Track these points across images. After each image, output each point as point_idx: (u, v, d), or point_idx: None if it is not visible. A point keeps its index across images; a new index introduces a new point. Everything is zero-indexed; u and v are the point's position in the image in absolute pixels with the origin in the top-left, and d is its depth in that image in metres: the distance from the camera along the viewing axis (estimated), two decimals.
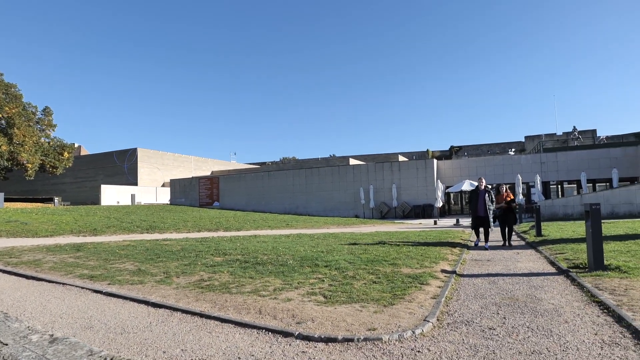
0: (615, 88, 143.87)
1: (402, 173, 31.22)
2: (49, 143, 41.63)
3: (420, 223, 23.90)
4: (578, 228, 14.24)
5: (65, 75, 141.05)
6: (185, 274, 6.63)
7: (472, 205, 10.72)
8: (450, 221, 24.58)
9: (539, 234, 12.72)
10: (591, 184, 28.46)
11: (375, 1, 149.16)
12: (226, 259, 8.10)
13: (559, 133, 59.81)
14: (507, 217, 10.83)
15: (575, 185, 30.57)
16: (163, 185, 49.46)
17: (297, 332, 3.60)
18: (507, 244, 10.75)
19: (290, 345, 3.40)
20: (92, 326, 4.10)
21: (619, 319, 3.87)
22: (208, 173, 54.36)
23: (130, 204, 40.52)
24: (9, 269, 7.79)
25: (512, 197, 11.12)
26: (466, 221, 24.24)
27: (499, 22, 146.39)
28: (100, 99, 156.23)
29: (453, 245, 11.01)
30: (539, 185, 26.06)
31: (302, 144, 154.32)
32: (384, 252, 8.85)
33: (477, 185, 10.77)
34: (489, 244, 10.71)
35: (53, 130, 42.45)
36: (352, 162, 40.86)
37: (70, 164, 42.90)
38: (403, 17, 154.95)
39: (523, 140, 69.57)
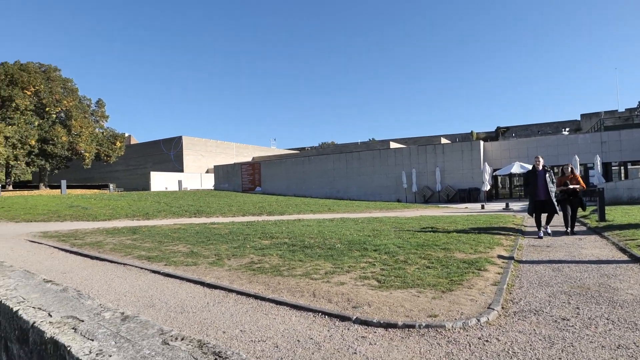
0: None
1: (447, 156, 30.17)
2: (102, 133, 44.13)
3: (467, 207, 23.08)
4: None
5: (113, 68, 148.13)
6: (235, 257, 6.75)
7: (529, 188, 9.36)
8: (499, 205, 23.53)
9: (602, 218, 11.79)
10: None
11: None
12: (274, 242, 8.18)
13: (621, 110, 55.26)
14: (572, 201, 9.57)
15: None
16: (207, 172, 51.14)
17: (354, 317, 3.51)
18: (569, 231, 9.43)
19: (348, 329, 3.32)
20: (153, 304, 4.25)
21: None
22: (249, 159, 55.51)
23: (177, 189, 42.30)
24: (75, 249, 8.33)
25: (579, 179, 9.68)
26: (517, 205, 23.11)
27: None
28: (147, 89, 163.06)
29: (506, 230, 10.48)
30: (598, 166, 24.24)
31: (341, 128, 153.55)
32: (434, 237, 8.57)
33: (534, 166, 9.45)
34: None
35: (106, 121, 44.90)
36: (393, 145, 40.03)
37: (122, 153, 45.29)
38: None
39: (579, 119, 64.90)
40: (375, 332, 3.24)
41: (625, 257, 6.42)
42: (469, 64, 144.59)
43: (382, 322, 3.37)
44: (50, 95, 39.14)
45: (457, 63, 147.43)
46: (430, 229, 10.35)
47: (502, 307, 3.79)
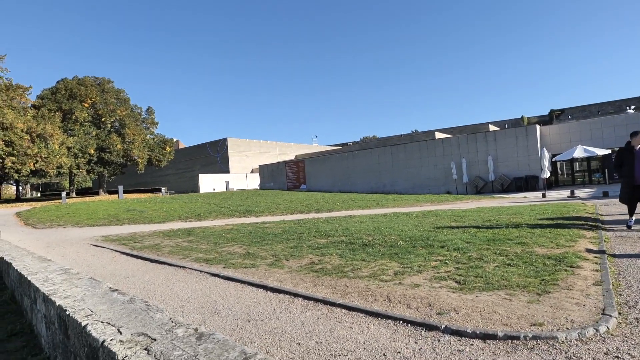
0: None
1: (499, 143, 28.47)
2: (153, 139, 46.21)
3: (525, 197, 21.58)
4: None
5: (158, 75, 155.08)
6: (294, 257, 6.50)
7: (624, 170, 7.80)
8: (562, 193, 21.78)
9: None
10: None
11: None
12: (330, 241, 7.86)
13: None
14: None
15: None
16: (252, 171, 52.10)
17: (442, 325, 3.08)
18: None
19: (439, 341, 2.90)
20: (218, 311, 4.06)
21: None
22: (292, 157, 55.89)
23: (224, 190, 43.40)
24: (135, 252, 8.49)
25: None
26: (583, 192, 21.25)
27: None
28: (191, 95, 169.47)
29: (582, 220, 9.49)
30: None
31: (382, 122, 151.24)
32: (503, 230, 7.86)
33: (629, 143, 7.87)
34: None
35: (156, 127, 46.99)
36: (439, 135, 38.49)
37: (172, 157, 47.21)
38: None
39: None
40: (472, 345, 2.79)
41: None
42: (513, 48, 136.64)
43: (478, 332, 2.91)
44: (105, 106, 41.53)
45: (500, 47, 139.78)
46: (495, 222, 9.58)
47: (619, 313, 3.19)
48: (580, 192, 20.99)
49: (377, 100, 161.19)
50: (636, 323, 3.01)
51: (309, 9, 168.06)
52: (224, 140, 51.78)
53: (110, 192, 46.70)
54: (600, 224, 8.77)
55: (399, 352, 2.77)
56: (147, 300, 3.87)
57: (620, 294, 3.73)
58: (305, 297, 4.20)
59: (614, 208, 12.64)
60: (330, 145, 72.28)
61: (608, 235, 7.38)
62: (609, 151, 25.59)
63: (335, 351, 2.87)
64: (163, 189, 44.13)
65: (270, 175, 40.95)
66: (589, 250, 5.70)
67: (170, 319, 2.31)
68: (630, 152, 7.68)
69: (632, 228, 7.71)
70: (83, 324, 2.45)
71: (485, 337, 2.87)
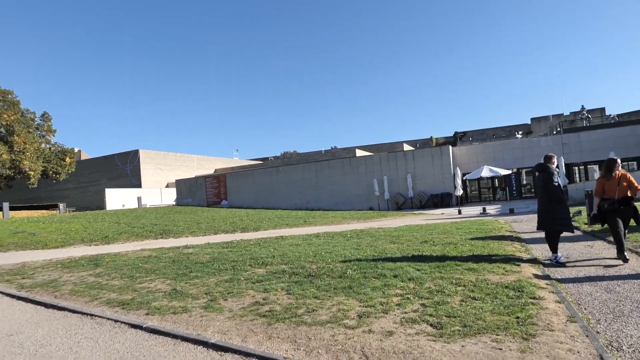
0: (620, 66, 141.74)
1: (417, 162, 30.12)
2: (49, 149, 40.56)
3: (443, 213, 22.87)
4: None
5: (58, 77, 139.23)
6: (232, 295, 5.59)
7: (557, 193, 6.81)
8: (474, 210, 23.54)
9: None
10: None
11: None
12: (270, 271, 7.06)
13: (567, 113, 58.52)
14: (623, 213, 6.53)
15: (596, 166, 29.44)
16: (167, 186, 48.46)
17: None
18: (623, 254, 6.32)
19: None
20: None
21: None
22: (211, 171, 53.29)
23: (136, 206, 39.53)
24: (24, 294, 6.77)
25: (631, 180, 6.48)
26: (491, 208, 23.16)
27: (498, 5, 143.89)
28: (96, 100, 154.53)
29: (506, 239, 9.98)
30: (562, 167, 24.97)
31: (301, 137, 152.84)
32: (445, 253, 7.81)
33: (545, 164, 6.99)
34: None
35: (53, 135, 41.40)
36: (359, 153, 39.67)
37: (72, 169, 41.87)
38: (398, 6, 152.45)
39: (529, 122, 68.30)
40: None
41: None
42: (426, 67, 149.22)
43: None
44: None
45: (413, 68, 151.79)
46: (431, 242, 9.62)
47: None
48: (490, 209, 22.83)
49: (295, 115, 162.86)
50: None
51: (228, 8, 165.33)
52: (136, 152, 47.52)
53: None
54: (525, 244, 9.28)
55: None
56: None
57: (598, 332, 3.60)
58: (261, 359, 3.40)
59: (523, 225, 13.74)
60: (251, 160, 70.75)
61: (539, 255, 7.71)
62: (509, 171, 28.50)
63: None
64: (61, 206, 38.68)
65: (189, 190, 38.35)
66: (536, 276, 5.75)
67: None
68: (549, 174, 6.83)
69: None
70: None
71: None
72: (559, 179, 7.06)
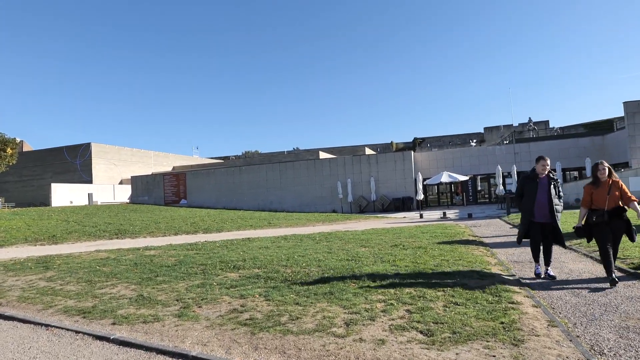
0: (563, 80, 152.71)
1: (380, 166, 30.65)
2: None
3: (405, 217, 23.37)
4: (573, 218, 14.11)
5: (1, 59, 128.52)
6: (206, 301, 5.29)
7: (525, 203, 6.16)
8: (434, 214, 24.26)
9: None
10: (561, 173, 29.33)
11: None
12: (243, 275, 6.79)
13: (515, 124, 62.15)
14: (614, 227, 5.64)
15: None
16: (121, 183, 46.03)
17: None
18: (613, 278, 5.39)
19: None
20: None
21: None
22: (169, 169, 51.28)
23: (86, 203, 37.17)
24: None
25: (623, 188, 5.63)
26: (451, 213, 23.96)
27: (459, 20, 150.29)
28: (40, 87, 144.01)
29: (471, 243, 10.30)
30: (514, 175, 26.38)
31: (262, 137, 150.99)
32: (416, 257, 7.91)
33: (534, 170, 6.24)
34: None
35: None
36: (322, 155, 39.79)
37: (14, 161, 38.61)
38: (366, 10, 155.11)
39: (482, 131, 71.91)
40: None
41: (617, 273, 6.29)
42: (383, 75, 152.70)
43: None
44: None
45: (372, 75, 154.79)
46: (401, 246, 9.72)
47: None
48: (449, 213, 23.62)
49: (257, 113, 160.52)
50: None
51: (188, 11, 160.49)
52: (87, 145, 44.75)
53: None
54: (488, 247, 9.62)
55: None
56: None
57: (578, 336, 3.72)
58: None
59: (483, 229, 14.32)
60: (212, 158, 68.96)
61: (504, 259, 8.01)
62: (467, 177, 29.70)
63: None
64: None
65: (145, 188, 36.62)
66: (509, 281, 5.92)
67: None
68: (533, 181, 6.15)
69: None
70: None
71: None
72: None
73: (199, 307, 5.09)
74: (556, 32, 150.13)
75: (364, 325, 4.06)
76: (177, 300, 5.44)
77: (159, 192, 35.70)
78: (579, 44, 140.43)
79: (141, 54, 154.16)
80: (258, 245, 10.95)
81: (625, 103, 23.49)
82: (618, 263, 6.58)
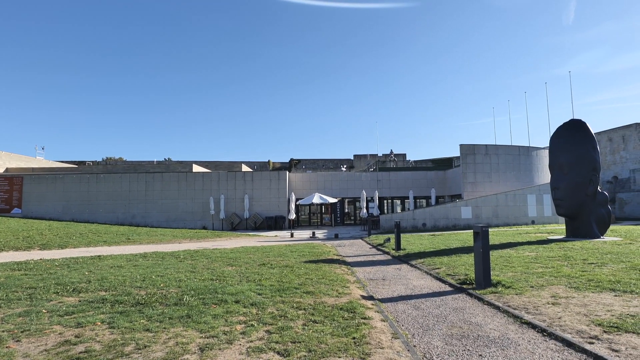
0: (419, 122, 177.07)
1: (255, 183, 30.61)
2: None
3: (277, 235, 23.64)
4: (424, 240, 16.28)
5: None
6: (28, 334, 4.36)
7: None
8: (305, 233, 25.13)
9: (399, 247, 13.85)
10: (413, 201, 33.65)
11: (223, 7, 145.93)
12: (85, 299, 5.86)
13: (380, 154, 69.49)
14: None
15: (399, 200, 35.61)
16: None
17: None
18: None
19: None
20: None
21: (569, 344, 4.10)
22: (1, 170, 42.19)
23: None
24: None
25: None
26: (320, 232, 25.21)
27: (331, 52, 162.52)
28: None
29: (335, 262, 10.93)
30: (376, 200, 29.29)
31: (128, 142, 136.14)
32: (283, 277, 7.99)
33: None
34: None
35: None
36: (196, 168, 37.90)
37: None
38: (246, 27, 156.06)
39: (352, 158, 78.47)
40: None
41: (448, 288, 7.39)
42: (259, 95, 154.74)
43: None
44: None
45: (248, 92, 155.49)
46: (269, 265, 9.74)
47: None
48: (318, 233, 24.79)
49: (123, 115, 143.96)
50: None
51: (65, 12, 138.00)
52: None
53: None
54: (350, 267, 10.33)
55: None
56: None
57: (414, 346, 4.19)
58: None
59: (347, 249, 15.39)
60: (63, 162, 59.26)
61: (362, 278, 8.68)
62: (336, 200, 31.74)
63: None
64: None
65: None
66: (363, 297, 6.41)
67: None
68: None
69: (373, 269, 8.61)
70: None
71: None
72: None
73: (17, 341, 4.17)
74: (412, 86, 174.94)
75: (220, 349, 3.86)
76: None
77: None
78: (434, 96, 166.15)
79: None
80: (110, 264, 9.68)
81: (461, 145, 28.35)
82: (448, 278, 7.84)
